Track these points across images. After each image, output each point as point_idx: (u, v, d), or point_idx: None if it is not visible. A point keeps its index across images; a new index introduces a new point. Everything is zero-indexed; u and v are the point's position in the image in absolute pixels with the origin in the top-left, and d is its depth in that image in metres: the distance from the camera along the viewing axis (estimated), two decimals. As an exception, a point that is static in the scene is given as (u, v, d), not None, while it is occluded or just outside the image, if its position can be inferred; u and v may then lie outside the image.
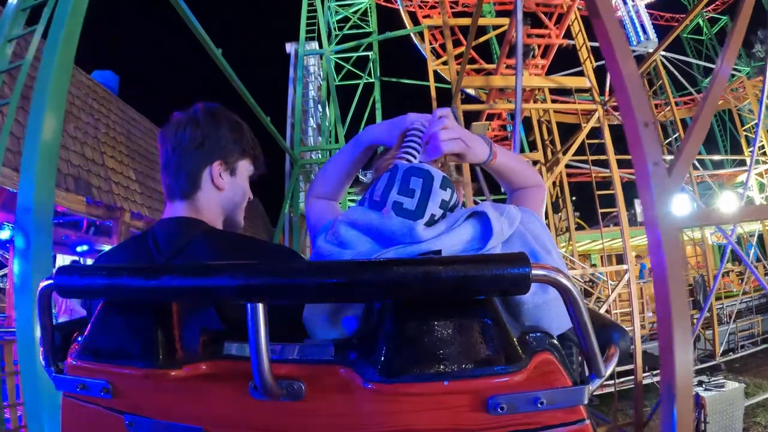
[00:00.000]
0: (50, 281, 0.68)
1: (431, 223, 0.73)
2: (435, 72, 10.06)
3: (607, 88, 6.68)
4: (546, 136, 10.29)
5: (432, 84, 9.42)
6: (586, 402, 0.62)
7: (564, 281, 0.55)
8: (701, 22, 19.80)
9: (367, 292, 0.56)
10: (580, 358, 0.69)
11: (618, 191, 6.44)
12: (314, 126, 13.12)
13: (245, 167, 0.99)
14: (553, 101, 10.13)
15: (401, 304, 0.58)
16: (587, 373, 0.63)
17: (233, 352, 0.63)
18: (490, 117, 9.75)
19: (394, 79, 15.45)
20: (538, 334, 0.61)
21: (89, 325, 0.70)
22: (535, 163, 8.38)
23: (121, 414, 0.71)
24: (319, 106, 13.86)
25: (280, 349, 0.62)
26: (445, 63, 10.82)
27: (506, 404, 0.58)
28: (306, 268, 0.56)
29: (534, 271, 0.54)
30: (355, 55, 14.32)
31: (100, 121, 7.22)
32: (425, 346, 0.57)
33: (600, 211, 8.18)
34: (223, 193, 0.94)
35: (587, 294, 7.32)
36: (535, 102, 8.29)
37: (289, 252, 0.95)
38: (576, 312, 0.58)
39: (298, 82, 11.34)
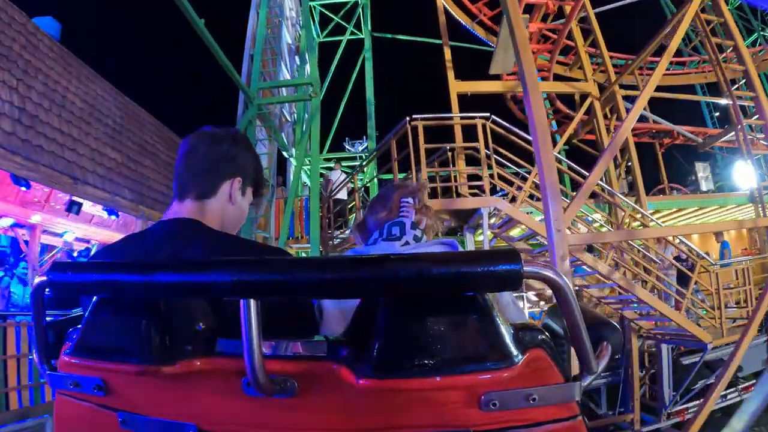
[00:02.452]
0: (44, 278, 0.68)
1: (406, 245, 1.19)
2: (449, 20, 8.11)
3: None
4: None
5: (445, 39, 7.63)
6: (578, 398, 0.62)
7: (555, 278, 0.56)
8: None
9: (360, 288, 0.56)
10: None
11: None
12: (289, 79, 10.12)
13: (250, 194, 1.08)
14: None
15: (394, 301, 0.59)
16: (579, 370, 0.63)
17: (227, 349, 0.63)
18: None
19: (389, 35, 13.21)
20: (531, 331, 0.61)
21: (83, 322, 0.70)
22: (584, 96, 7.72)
23: (115, 411, 0.70)
24: (297, 58, 10.98)
25: (274, 345, 0.62)
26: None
27: (499, 400, 0.59)
28: (298, 263, 0.57)
29: (526, 268, 0.54)
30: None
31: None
32: (418, 342, 0.57)
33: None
34: (231, 206, 1.02)
35: (683, 280, 6.20)
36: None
37: (284, 254, 0.96)
38: (568, 309, 0.58)
39: (262, 4, 8.90)
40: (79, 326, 0.71)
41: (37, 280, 0.69)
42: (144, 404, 0.69)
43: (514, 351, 0.58)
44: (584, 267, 5.70)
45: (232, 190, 1.01)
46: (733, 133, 7.24)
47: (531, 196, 6.10)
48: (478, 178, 5.97)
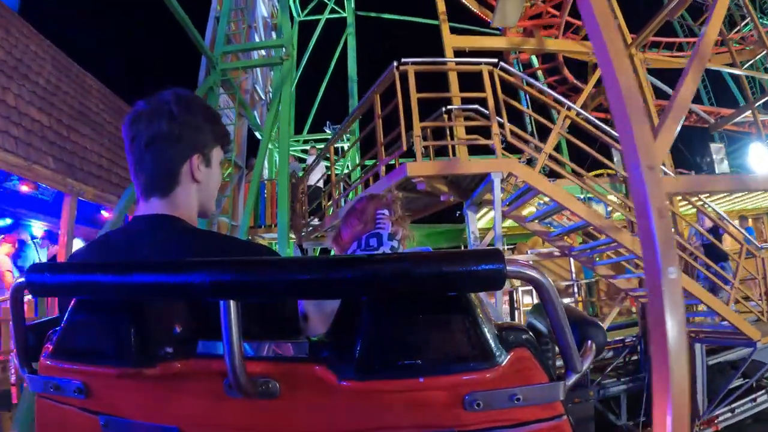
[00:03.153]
0: (22, 280, 0.67)
1: None
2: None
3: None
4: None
5: (444, 23, 6.27)
6: (562, 398, 0.62)
7: (539, 277, 0.55)
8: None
9: (341, 288, 0.55)
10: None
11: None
12: (263, 55, 9.15)
13: (218, 154, 0.96)
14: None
15: (376, 301, 0.58)
16: (564, 369, 0.63)
17: (207, 351, 0.62)
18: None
19: (373, 14, 12.14)
20: (515, 330, 0.61)
21: (62, 324, 0.69)
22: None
23: (96, 414, 0.69)
24: (273, 34, 10.09)
25: (255, 346, 0.61)
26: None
27: (483, 401, 0.58)
28: (278, 263, 0.56)
29: (509, 267, 0.54)
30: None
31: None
32: (400, 342, 0.57)
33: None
34: (200, 185, 0.92)
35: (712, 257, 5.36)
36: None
37: (267, 251, 0.94)
38: (551, 308, 0.58)
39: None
40: (59, 328, 0.70)
41: (16, 281, 0.68)
42: (125, 407, 0.68)
43: (498, 351, 0.58)
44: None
45: (193, 170, 0.89)
46: (746, 114, 6.81)
47: (549, 173, 4.97)
48: (483, 136, 4.80)
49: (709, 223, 6.30)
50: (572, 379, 0.62)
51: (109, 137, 7.58)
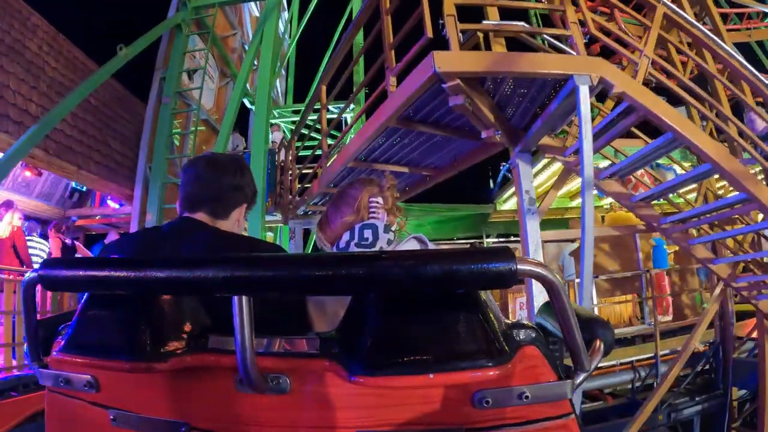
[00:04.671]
0: (35, 274, 0.67)
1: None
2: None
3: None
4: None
5: None
6: (570, 396, 0.62)
7: (548, 275, 0.56)
8: None
9: (352, 285, 0.56)
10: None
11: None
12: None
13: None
14: None
15: (386, 297, 0.58)
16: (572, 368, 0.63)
17: (219, 346, 0.63)
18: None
19: None
20: (523, 328, 0.61)
21: (74, 319, 0.70)
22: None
23: (106, 408, 0.70)
24: None
25: (266, 342, 0.62)
26: None
27: (491, 398, 0.59)
28: (290, 260, 0.56)
29: (519, 266, 0.54)
30: None
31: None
32: (410, 339, 0.57)
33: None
34: (236, 227, 1.16)
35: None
36: None
37: (281, 250, 0.98)
38: (560, 307, 0.58)
39: None
40: (71, 323, 0.70)
41: (28, 276, 0.68)
42: (135, 401, 0.69)
43: (507, 349, 0.58)
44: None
45: (240, 216, 1.16)
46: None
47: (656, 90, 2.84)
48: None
49: None
50: (580, 378, 0.62)
51: (49, 82, 5.94)
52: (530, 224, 3.31)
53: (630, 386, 5.26)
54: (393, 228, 1.22)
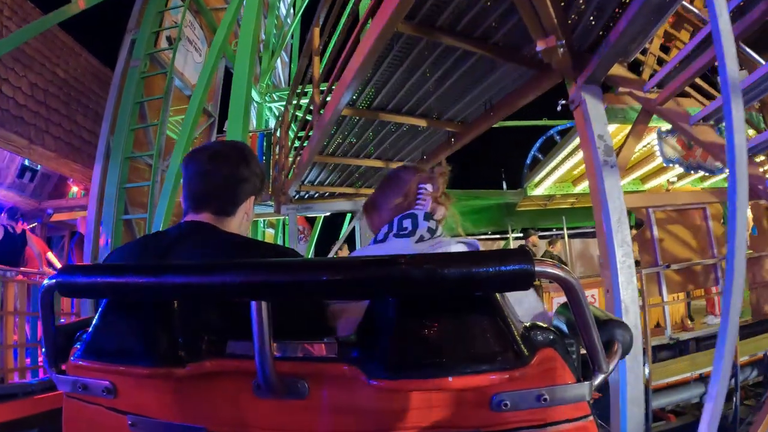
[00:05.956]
0: (52, 281, 0.68)
1: (421, 240, 1.06)
2: None
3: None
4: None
5: None
6: (589, 398, 0.62)
7: (566, 276, 0.55)
8: None
9: (371, 289, 0.56)
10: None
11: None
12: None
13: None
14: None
15: (404, 301, 0.58)
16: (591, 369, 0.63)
17: (237, 351, 0.63)
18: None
19: None
20: (542, 330, 0.61)
21: (92, 325, 0.70)
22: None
23: (124, 414, 0.70)
24: None
25: (284, 347, 0.62)
26: None
27: (510, 401, 0.58)
28: (308, 264, 0.56)
29: (537, 267, 0.54)
30: None
31: None
32: (428, 342, 0.57)
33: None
34: (245, 220, 1.11)
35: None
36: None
37: (297, 255, 0.98)
38: (578, 308, 0.58)
39: None
40: (89, 329, 0.71)
41: (46, 282, 0.69)
42: (153, 407, 0.69)
43: (525, 351, 0.58)
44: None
45: (248, 209, 1.10)
46: None
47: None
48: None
49: None
50: (599, 379, 0.62)
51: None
52: (609, 182, 2.39)
53: (699, 401, 4.24)
54: (436, 216, 1.15)
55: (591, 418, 0.63)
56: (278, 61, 10.40)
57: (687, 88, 2.61)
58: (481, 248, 0.91)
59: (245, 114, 4.87)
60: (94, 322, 0.69)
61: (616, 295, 2.36)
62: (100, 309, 0.69)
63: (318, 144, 4.15)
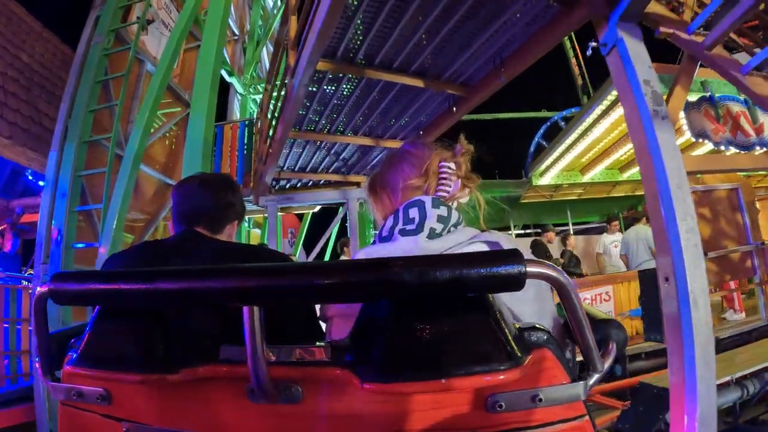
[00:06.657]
0: (45, 288, 0.68)
1: (433, 235, 0.87)
2: None
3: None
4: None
5: None
6: (584, 398, 0.62)
7: (559, 277, 0.55)
8: None
9: (362, 292, 0.56)
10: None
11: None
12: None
13: None
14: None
15: (397, 304, 0.58)
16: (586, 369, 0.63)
17: (230, 356, 0.63)
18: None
19: None
20: (535, 330, 0.61)
21: (85, 332, 0.70)
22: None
23: (119, 421, 0.70)
24: None
25: (277, 351, 0.62)
26: None
27: (505, 402, 0.58)
28: (299, 269, 0.56)
29: (529, 268, 0.54)
30: None
31: None
32: (422, 345, 0.57)
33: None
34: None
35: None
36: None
37: (289, 260, 1.00)
38: (571, 308, 0.58)
39: None
40: (82, 336, 0.71)
41: (39, 290, 0.69)
42: (148, 413, 0.69)
43: (519, 351, 0.58)
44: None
45: (232, 232, 1.25)
46: None
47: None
48: None
49: None
50: (593, 379, 0.62)
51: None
52: (663, 137, 1.84)
53: (733, 406, 3.18)
54: (450, 203, 0.96)
55: (587, 418, 0.63)
56: (263, 52, 9.73)
57: (737, 37, 2.01)
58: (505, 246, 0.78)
59: (212, 89, 4.29)
60: (87, 329, 0.69)
61: (681, 284, 1.74)
62: (92, 316, 0.69)
63: (293, 113, 3.35)
